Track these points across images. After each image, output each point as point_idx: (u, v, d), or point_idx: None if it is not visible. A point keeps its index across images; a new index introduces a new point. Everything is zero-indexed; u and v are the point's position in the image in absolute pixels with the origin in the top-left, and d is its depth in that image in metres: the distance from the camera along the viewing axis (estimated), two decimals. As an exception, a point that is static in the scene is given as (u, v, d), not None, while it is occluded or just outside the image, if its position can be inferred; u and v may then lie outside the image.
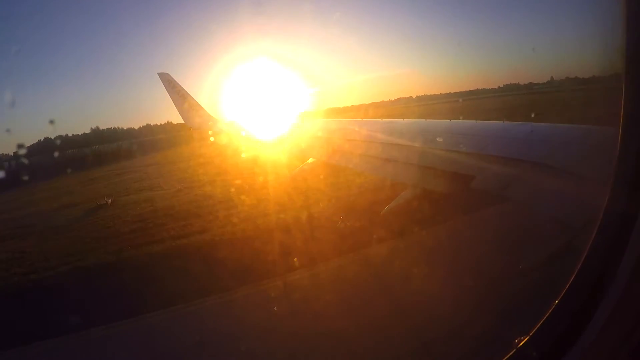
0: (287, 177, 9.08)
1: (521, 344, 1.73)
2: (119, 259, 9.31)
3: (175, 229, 10.84)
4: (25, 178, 17.59)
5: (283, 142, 9.23)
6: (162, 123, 45.18)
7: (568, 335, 1.63)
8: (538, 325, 1.73)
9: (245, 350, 5.24)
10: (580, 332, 1.58)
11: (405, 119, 8.10)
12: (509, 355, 1.72)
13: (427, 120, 7.59)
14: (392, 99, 52.28)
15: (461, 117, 8.36)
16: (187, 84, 10.84)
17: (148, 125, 45.05)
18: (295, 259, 7.34)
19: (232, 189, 14.16)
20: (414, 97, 54.44)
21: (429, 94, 55.35)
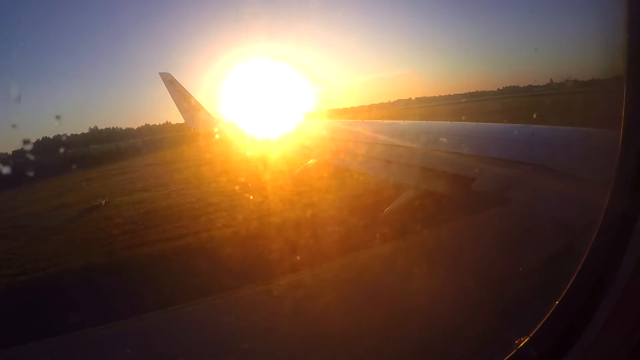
0: (288, 177, 9.11)
1: (521, 344, 1.74)
2: (107, 261, 9.28)
3: (165, 231, 10.79)
4: (25, 176, 17.64)
5: (284, 143, 9.24)
6: (161, 123, 45.18)
7: (568, 336, 1.64)
8: (538, 326, 1.74)
9: (244, 350, 5.25)
10: (580, 333, 1.59)
11: (406, 121, 8.12)
12: (509, 356, 1.73)
13: (429, 121, 7.60)
14: (392, 101, 52.45)
15: (461, 119, 8.37)
16: (187, 84, 10.84)
17: (147, 126, 45.02)
18: (291, 261, 7.30)
19: (230, 190, 14.11)
20: (413, 98, 54.58)
21: (428, 95, 55.56)
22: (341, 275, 6.92)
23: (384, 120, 8.67)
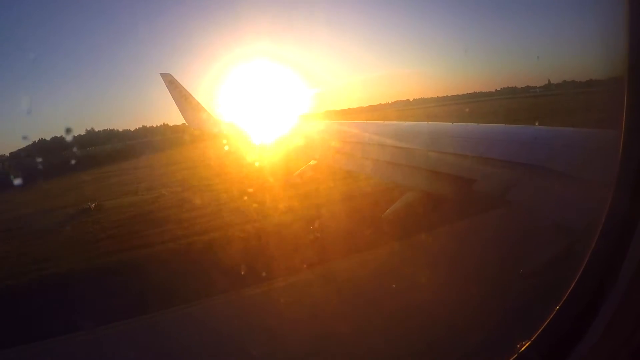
0: (288, 179, 9.09)
1: (523, 348, 1.73)
2: (89, 266, 9.22)
3: (147, 236, 10.68)
4: (21, 177, 17.65)
5: (283, 144, 9.23)
6: (158, 125, 45.18)
7: (569, 339, 1.63)
8: (540, 330, 1.73)
9: (244, 352, 5.24)
10: (582, 336, 1.58)
11: (406, 122, 8.11)
12: None
13: (429, 123, 7.59)
14: (390, 102, 52.53)
15: (460, 120, 8.36)
16: (186, 85, 10.81)
17: (144, 127, 45.03)
18: (285, 264, 7.27)
19: (227, 193, 14.02)
20: (411, 99, 54.68)
21: (426, 96, 55.59)
22: (341, 277, 6.91)
23: (384, 122, 8.66)
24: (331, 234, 8.48)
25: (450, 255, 6.50)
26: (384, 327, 5.19)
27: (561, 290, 1.77)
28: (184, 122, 11.42)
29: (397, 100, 55.21)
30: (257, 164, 11.00)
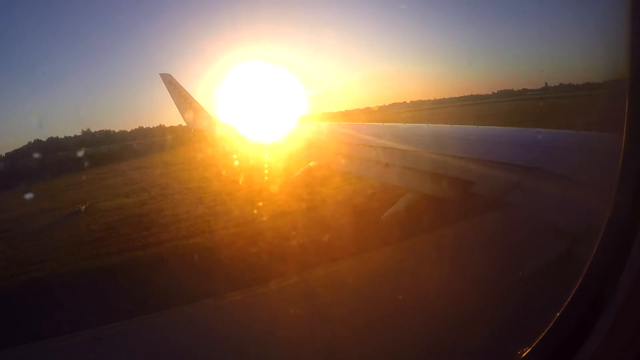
0: (287, 180, 9.08)
1: (524, 354, 1.72)
2: (70, 270, 9.07)
3: (133, 240, 10.46)
4: (16, 178, 17.53)
5: (282, 145, 9.25)
6: (155, 126, 45.00)
7: (570, 345, 1.62)
8: (541, 336, 1.72)
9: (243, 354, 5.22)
10: (582, 342, 1.57)
11: (405, 124, 8.13)
12: None
13: (427, 125, 7.62)
14: (387, 104, 52.62)
15: (458, 123, 8.39)
16: (185, 86, 10.79)
17: (140, 128, 44.83)
18: (278, 268, 7.17)
19: (225, 194, 13.81)
20: (408, 102, 54.76)
21: (423, 99, 55.62)
22: (340, 280, 6.88)
23: (383, 124, 8.68)
24: (330, 236, 8.46)
25: (449, 258, 6.48)
26: (380, 331, 5.16)
27: (561, 294, 1.76)
28: (180, 123, 11.44)
29: (394, 103, 55.33)
30: (255, 166, 10.98)
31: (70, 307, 7.04)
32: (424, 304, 5.44)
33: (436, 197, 5.13)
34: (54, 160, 23.74)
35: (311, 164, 7.77)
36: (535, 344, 1.72)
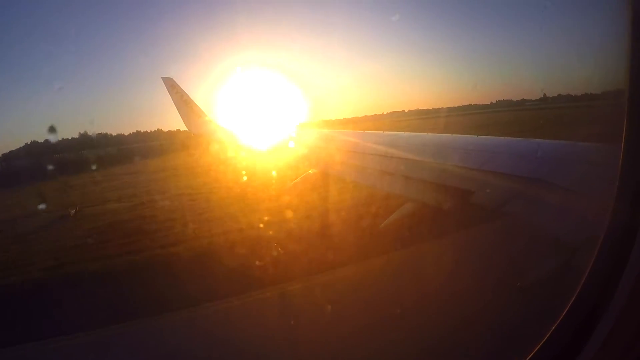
0: (285, 187, 9.06)
1: None
2: (50, 275, 9.06)
3: (116, 246, 10.40)
4: (10, 180, 17.42)
5: (281, 152, 9.26)
6: (153, 130, 45.09)
7: (568, 354, 1.62)
8: (538, 346, 1.72)
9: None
10: (579, 351, 1.57)
11: (405, 132, 8.16)
12: None
13: (427, 134, 7.64)
14: (385, 112, 52.90)
15: (457, 132, 8.42)
16: (185, 91, 10.83)
17: (138, 132, 44.89)
18: (272, 274, 7.15)
19: (217, 200, 13.89)
20: (406, 110, 55.07)
21: (420, 108, 55.89)
22: (336, 289, 6.85)
23: (383, 132, 8.72)
24: (329, 244, 8.44)
25: (447, 267, 6.47)
26: (378, 340, 5.13)
27: (560, 304, 1.76)
28: (179, 128, 11.44)
29: (392, 111, 55.68)
30: (254, 172, 10.98)
31: (37, 313, 6.99)
32: (423, 314, 5.41)
33: (435, 206, 5.13)
34: (50, 162, 23.68)
35: (310, 171, 7.77)
36: (532, 353, 1.72)
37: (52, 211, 15.70)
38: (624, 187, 1.65)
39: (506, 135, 8.00)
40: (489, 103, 58.55)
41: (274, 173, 9.96)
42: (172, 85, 10.80)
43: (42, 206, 16.54)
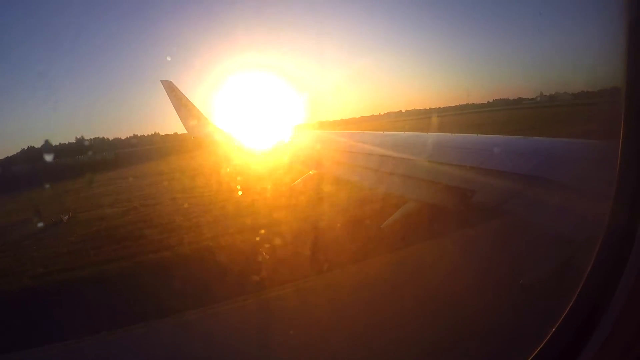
0: (287, 188, 9.08)
1: None
2: (39, 283, 9.07)
3: (106, 253, 10.43)
4: (6, 186, 17.27)
5: (281, 153, 9.27)
6: (149, 134, 45.13)
7: (569, 354, 1.64)
8: (539, 348, 1.73)
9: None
10: (579, 351, 1.58)
11: (405, 132, 8.19)
12: None
13: (427, 133, 7.67)
14: (382, 113, 53.05)
15: (455, 132, 8.45)
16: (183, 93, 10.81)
17: (135, 136, 44.91)
18: (275, 273, 7.17)
19: (213, 204, 13.86)
20: (403, 111, 55.20)
21: (417, 108, 56.10)
22: (339, 289, 6.86)
23: (384, 132, 8.74)
24: (331, 244, 8.46)
25: (448, 267, 6.49)
26: (376, 341, 5.14)
27: (560, 303, 1.77)
28: (175, 131, 11.44)
29: (389, 112, 55.88)
30: (255, 174, 10.98)
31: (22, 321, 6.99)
32: (425, 313, 5.43)
33: (437, 205, 5.15)
34: (46, 167, 23.64)
35: (311, 172, 7.78)
36: (533, 354, 1.73)
37: (46, 217, 15.63)
38: (622, 187, 1.66)
39: (506, 133, 8.04)
40: (486, 102, 58.80)
41: (274, 174, 9.96)
42: (171, 88, 10.80)
43: (35, 213, 16.60)
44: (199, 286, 7.30)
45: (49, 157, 21.77)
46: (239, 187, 12.84)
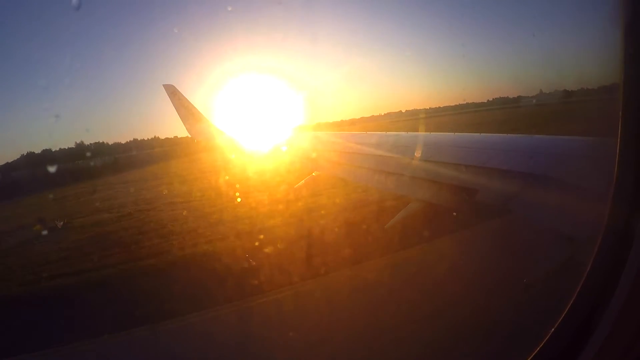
0: (290, 190, 9.10)
1: None
2: (27, 290, 9.13)
3: (96, 259, 10.44)
4: (5, 192, 17.20)
5: (282, 155, 9.29)
6: (149, 138, 45.13)
7: (569, 353, 1.65)
8: (539, 348, 1.74)
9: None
10: (581, 350, 1.60)
11: (407, 132, 8.20)
12: None
13: (428, 133, 7.68)
14: (382, 114, 53.05)
15: (457, 131, 8.47)
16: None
17: (135, 140, 44.81)
18: (278, 274, 7.23)
19: (212, 207, 13.89)
20: (403, 111, 55.18)
21: (418, 108, 56.16)
22: (341, 288, 6.89)
23: (385, 132, 8.75)
24: (336, 244, 8.48)
25: (453, 265, 6.51)
26: (377, 340, 5.15)
27: (560, 302, 1.79)
28: (175, 134, 11.48)
29: (389, 112, 55.92)
30: (258, 176, 11.01)
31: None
32: (425, 312, 5.45)
33: (440, 205, 5.17)
34: (46, 173, 23.72)
35: (314, 173, 7.80)
36: (533, 354, 1.74)
37: (41, 223, 15.70)
38: (620, 188, 1.67)
39: (505, 132, 8.06)
40: (485, 101, 58.79)
41: (277, 177, 10.00)
42: (173, 92, 10.85)
43: (31, 218, 16.59)
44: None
45: (51, 168, 21.84)
46: (244, 188, 12.87)
